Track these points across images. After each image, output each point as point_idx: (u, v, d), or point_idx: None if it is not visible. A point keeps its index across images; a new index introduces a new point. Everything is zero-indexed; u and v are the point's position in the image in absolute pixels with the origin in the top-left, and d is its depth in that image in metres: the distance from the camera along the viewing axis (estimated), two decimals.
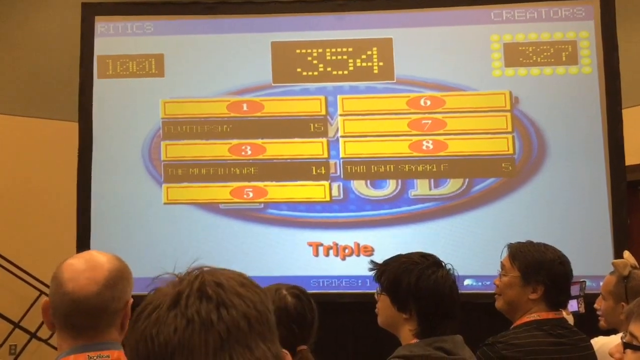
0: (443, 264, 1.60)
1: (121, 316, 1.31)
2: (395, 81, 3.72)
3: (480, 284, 3.45)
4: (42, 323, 4.13)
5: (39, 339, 4.56)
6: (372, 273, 1.66)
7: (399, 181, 3.65)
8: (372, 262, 1.66)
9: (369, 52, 3.76)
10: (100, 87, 3.81)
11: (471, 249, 3.53)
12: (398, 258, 1.63)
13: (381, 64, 3.74)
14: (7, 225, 4.90)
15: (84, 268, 1.27)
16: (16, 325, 4.62)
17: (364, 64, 3.75)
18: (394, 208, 3.64)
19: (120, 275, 1.31)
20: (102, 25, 3.86)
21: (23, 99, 5.20)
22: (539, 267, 1.80)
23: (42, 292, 4.57)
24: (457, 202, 3.61)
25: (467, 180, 3.62)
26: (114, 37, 3.86)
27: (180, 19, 3.89)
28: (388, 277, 1.59)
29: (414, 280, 1.54)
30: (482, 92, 3.67)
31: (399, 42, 3.75)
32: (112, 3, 4.23)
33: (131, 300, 1.34)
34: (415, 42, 3.75)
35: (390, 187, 3.66)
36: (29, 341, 4.62)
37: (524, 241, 1.90)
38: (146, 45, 3.84)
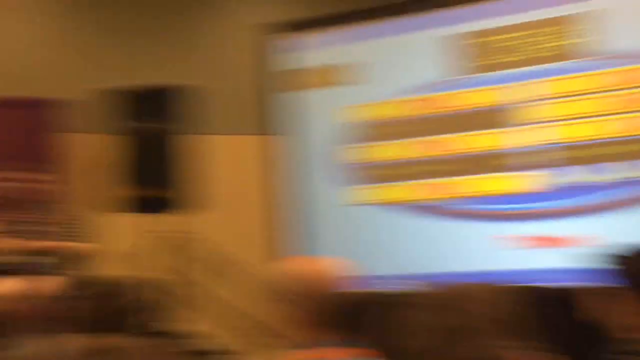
0: None
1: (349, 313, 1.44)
2: (607, 56, 3.24)
3: None
4: None
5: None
6: (609, 267, 1.42)
7: (610, 165, 3.20)
8: (607, 253, 1.43)
9: (577, 28, 3.32)
10: (289, 99, 3.99)
11: None
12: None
13: (589, 39, 3.29)
14: (216, 237, 5.21)
15: (314, 273, 1.43)
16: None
17: (569, 42, 3.34)
18: (602, 195, 3.22)
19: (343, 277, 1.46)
20: (285, 42, 4.03)
21: (224, 118, 5.49)
22: None
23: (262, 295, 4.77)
24: None
25: None
26: (297, 52, 4.01)
27: (363, 25, 3.91)
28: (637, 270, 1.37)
29: None
30: None
31: (611, 13, 3.25)
32: (294, 20, 4.38)
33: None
34: (633, 11, 3.24)
35: (601, 172, 3.22)
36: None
37: None
38: (334, 55, 3.92)
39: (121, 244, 4.25)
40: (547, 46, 3.41)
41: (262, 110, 4.37)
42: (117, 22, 5.28)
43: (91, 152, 4.40)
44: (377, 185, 3.75)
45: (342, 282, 1.44)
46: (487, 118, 3.51)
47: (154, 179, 3.62)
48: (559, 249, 3.27)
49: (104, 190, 3.80)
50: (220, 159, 5.44)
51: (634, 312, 1.38)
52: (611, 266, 1.43)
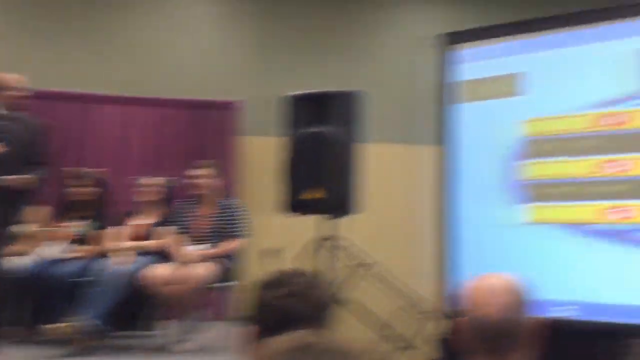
0: None
1: (532, 337, 1.37)
2: None
3: None
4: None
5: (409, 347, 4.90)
6: None
7: None
8: None
9: None
10: (463, 110, 3.99)
11: None
12: None
13: None
14: (379, 244, 5.38)
15: (490, 293, 1.37)
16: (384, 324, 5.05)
17: None
18: None
19: (522, 297, 1.39)
20: (458, 53, 4.03)
21: (388, 126, 5.68)
22: None
23: (413, 305, 4.90)
24: None
25: None
26: (471, 62, 4.01)
27: (534, 36, 3.83)
28: None
29: None
30: None
31: None
32: (466, 30, 4.40)
33: (542, 322, 1.39)
34: None
35: None
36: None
37: None
38: (503, 66, 3.88)
39: (284, 243, 4.55)
40: None
41: (428, 121, 4.47)
42: (297, 34, 5.66)
43: (265, 155, 4.72)
44: (548, 204, 3.65)
45: (527, 305, 1.38)
46: None
47: (317, 182, 3.73)
48: None
49: (274, 192, 4.03)
50: (386, 167, 5.63)
51: None
52: None
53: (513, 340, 1.34)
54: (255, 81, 5.38)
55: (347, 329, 4.81)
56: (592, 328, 3.41)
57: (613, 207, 3.46)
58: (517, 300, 1.37)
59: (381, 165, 5.63)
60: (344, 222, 3.97)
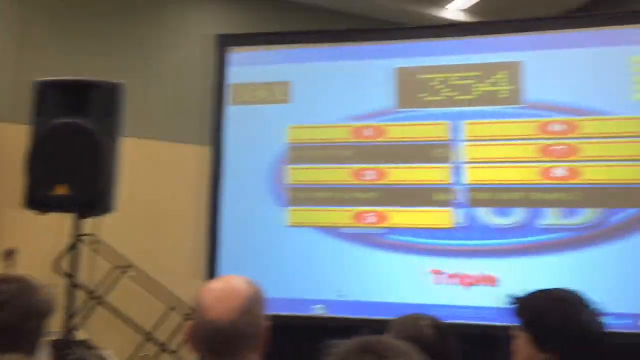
0: (590, 301, 1.49)
1: (259, 339, 1.37)
2: (524, 105, 3.59)
3: (620, 322, 3.19)
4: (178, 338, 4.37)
5: (167, 351, 4.80)
6: (510, 307, 1.58)
7: (528, 209, 3.50)
8: (511, 295, 1.59)
9: (497, 76, 3.66)
10: (231, 113, 4.00)
11: (607, 284, 3.28)
12: (542, 292, 1.54)
13: (510, 87, 3.63)
14: (144, 243, 5.23)
15: (223, 295, 1.35)
16: (148, 334, 4.89)
17: (490, 88, 3.66)
18: (521, 237, 3.49)
19: (256, 300, 1.39)
20: (235, 55, 4.07)
21: (160, 123, 5.56)
22: None
23: (173, 307, 4.81)
24: (591, 233, 3.39)
25: (603, 210, 3.39)
26: (245, 66, 4.06)
27: (308, 47, 4.01)
28: (530, 313, 1.51)
29: (559, 318, 1.44)
30: (622, 117, 3.44)
31: (528, 65, 3.62)
32: (244, 34, 4.46)
33: (268, 323, 1.37)
34: (546, 65, 3.61)
35: (517, 215, 3.51)
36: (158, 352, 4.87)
37: None
38: (275, 73, 3.99)
39: (29, 243, 4.15)
40: (485, 90, 3.68)
41: (202, 121, 4.40)
42: (68, 23, 5.22)
43: (17, 144, 4.27)
44: (314, 207, 3.79)
45: (257, 305, 1.38)
46: (425, 152, 3.68)
47: (71, 178, 3.40)
48: (490, 287, 3.46)
49: (20, 186, 3.64)
50: (155, 165, 5.44)
51: (530, 355, 1.50)
52: (512, 307, 1.59)
53: (240, 343, 1.33)
54: (9, 65, 4.86)
55: (108, 333, 4.58)
56: (343, 324, 3.63)
57: (364, 212, 3.72)
58: (247, 304, 1.35)
59: (149, 162, 5.46)
60: (103, 221, 3.72)
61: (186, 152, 5.42)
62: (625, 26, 3.53)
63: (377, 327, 2.00)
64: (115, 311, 4.72)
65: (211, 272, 3.80)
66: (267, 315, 1.41)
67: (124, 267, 4.91)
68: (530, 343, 1.48)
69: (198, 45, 5.56)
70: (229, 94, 4.03)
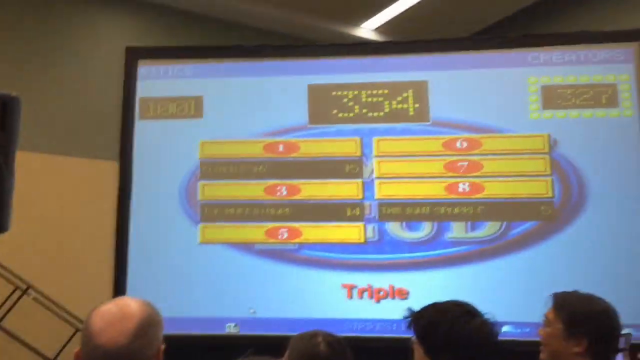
0: (479, 312, 1.56)
1: None
2: (430, 123, 3.72)
3: (519, 330, 3.35)
4: None
5: None
6: (406, 321, 1.62)
7: (435, 223, 3.61)
8: (408, 309, 1.63)
9: (405, 94, 3.77)
10: (141, 128, 3.90)
11: (509, 294, 3.44)
12: (432, 306, 1.59)
13: (417, 105, 3.75)
14: (45, 262, 4.99)
15: (115, 319, 1.27)
16: None
17: (399, 106, 3.77)
18: (430, 250, 3.59)
19: (151, 323, 1.31)
20: (145, 69, 3.98)
21: (65, 138, 5.36)
22: (583, 319, 1.73)
23: (77, 330, 4.60)
24: (495, 245, 3.54)
25: (504, 223, 3.56)
26: (156, 80, 3.97)
27: (220, 62, 3.98)
28: (421, 326, 1.56)
29: (447, 329, 1.50)
30: (520, 135, 3.63)
31: (435, 84, 3.76)
32: (155, 47, 4.38)
33: (163, 346, 1.33)
34: (451, 85, 3.76)
35: (425, 229, 3.62)
36: None
37: (569, 291, 1.84)
38: (186, 88, 3.93)
39: None
40: (394, 107, 3.76)
41: (114, 136, 4.25)
42: None
43: None
44: (226, 224, 3.73)
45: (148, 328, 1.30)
46: (337, 168, 3.71)
47: None
48: (401, 301, 3.50)
49: None
50: (61, 181, 5.20)
51: None
52: (407, 321, 1.63)
53: None
54: None
55: None
56: (256, 343, 3.59)
57: (277, 228, 3.72)
58: (140, 327, 1.28)
59: (55, 179, 5.23)
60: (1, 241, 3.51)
61: (95, 167, 5.23)
62: (522, 49, 3.74)
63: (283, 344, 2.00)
64: (13, 336, 4.45)
65: (118, 293, 3.65)
66: (163, 338, 1.36)
67: (24, 290, 4.65)
68: (425, 355, 1.53)
69: (110, 57, 5.40)
70: (138, 108, 3.92)
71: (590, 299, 1.78)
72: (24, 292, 4.73)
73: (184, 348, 3.58)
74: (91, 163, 5.23)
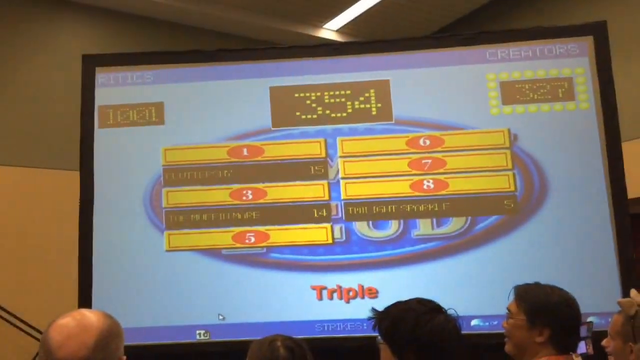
0: (443, 308, 1.57)
1: None
2: (393, 122, 3.74)
3: (487, 324, 3.39)
4: None
5: None
6: (371, 320, 1.63)
7: (401, 221, 3.64)
8: (372, 309, 1.64)
9: (367, 94, 3.79)
10: (101, 136, 3.83)
11: (477, 288, 3.49)
12: (396, 305, 1.60)
13: (379, 105, 3.77)
14: (7, 276, 4.87)
15: (74, 332, 1.24)
16: None
17: (362, 106, 3.79)
18: (398, 248, 3.62)
19: (111, 334, 1.28)
20: (103, 76, 3.91)
21: (23, 149, 5.24)
22: (544, 310, 1.77)
23: None
24: (461, 240, 3.59)
25: (469, 218, 3.60)
26: (115, 87, 3.91)
27: (180, 67, 3.94)
28: (385, 326, 1.57)
29: (410, 327, 1.51)
30: (481, 130, 3.68)
31: (396, 83, 3.79)
32: (112, 54, 4.30)
33: (124, 358, 1.31)
34: (412, 83, 3.79)
35: (392, 227, 3.64)
36: None
37: (531, 282, 1.87)
38: (146, 94, 3.88)
39: None
40: (357, 107, 3.77)
41: (74, 145, 4.17)
42: None
43: None
44: (192, 230, 3.69)
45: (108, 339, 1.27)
46: (303, 170, 3.70)
47: None
48: (370, 300, 3.51)
49: None
50: (11, 193, 5.08)
51: None
52: (372, 321, 1.63)
53: None
54: None
55: None
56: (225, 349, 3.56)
57: (244, 233, 3.70)
58: (100, 339, 1.24)
59: (12, 191, 5.11)
60: None
61: (55, 178, 5.13)
62: (480, 46, 3.79)
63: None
64: None
65: (84, 305, 3.58)
66: (130, 349, 1.34)
67: None
68: (391, 355, 1.54)
69: (69, 64, 5.28)
70: (98, 117, 3.85)
71: (550, 290, 1.82)
72: None
73: (155, 358, 3.54)
74: (51, 173, 5.13)
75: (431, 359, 1.49)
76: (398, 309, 1.57)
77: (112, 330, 1.29)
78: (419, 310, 1.53)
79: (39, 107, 5.36)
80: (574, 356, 1.86)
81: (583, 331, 2.22)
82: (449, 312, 1.57)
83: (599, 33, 3.69)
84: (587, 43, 3.70)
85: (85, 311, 1.31)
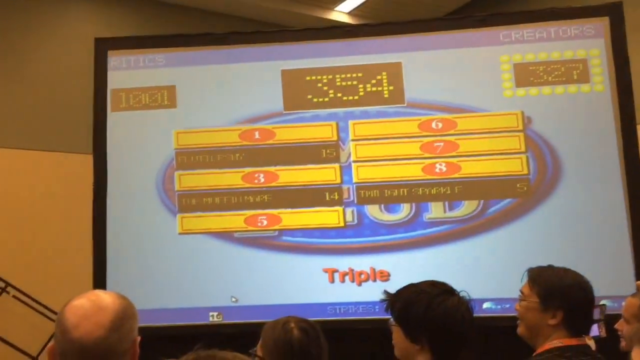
0: (455, 291, 1.58)
1: (129, 355, 1.30)
2: (406, 105, 3.72)
3: (499, 307, 3.40)
4: None
5: None
6: (383, 303, 1.64)
7: (413, 205, 3.63)
8: (385, 292, 1.65)
9: (379, 77, 3.77)
10: (114, 119, 3.85)
11: (489, 271, 3.48)
12: (408, 287, 1.61)
13: (391, 88, 3.75)
14: (24, 259, 4.93)
15: (90, 312, 1.25)
16: (34, 358, 4.62)
17: (374, 89, 3.77)
18: (409, 232, 3.62)
19: (125, 315, 1.30)
20: (115, 59, 3.92)
21: (37, 133, 5.27)
22: (557, 292, 1.77)
23: None
24: (473, 224, 3.58)
25: (482, 202, 3.59)
26: (127, 70, 3.91)
27: (191, 50, 3.93)
28: (398, 308, 1.58)
29: (423, 309, 1.52)
30: (494, 113, 3.65)
31: (409, 65, 3.76)
32: (125, 37, 4.31)
33: (138, 338, 1.32)
34: (425, 66, 3.76)
35: (404, 210, 3.64)
36: None
37: (544, 265, 1.87)
38: (158, 77, 3.88)
39: None
40: (369, 90, 3.75)
41: (82, 129, 4.19)
42: None
43: None
44: (204, 213, 3.70)
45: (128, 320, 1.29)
46: (314, 153, 3.70)
47: None
48: (382, 282, 3.52)
49: None
50: (37, 176, 5.12)
51: (404, 347, 1.56)
52: (385, 303, 1.63)
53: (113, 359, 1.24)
54: None
55: None
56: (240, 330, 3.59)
57: (256, 216, 3.71)
58: (116, 319, 1.26)
59: (28, 174, 5.16)
60: None
61: (69, 161, 5.16)
62: (494, 28, 3.75)
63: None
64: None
65: (98, 287, 3.62)
66: (143, 330, 1.35)
67: (2, 288, 4.60)
68: (404, 336, 1.55)
69: (81, 47, 5.29)
70: (110, 100, 3.86)
71: (564, 273, 1.81)
72: (3, 290, 4.67)
73: (168, 339, 3.58)
74: (65, 157, 5.16)
75: (443, 341, 1.50)
76: (410, 291, 1.57)
77: (126, 311, 1.30)
78: (432, 293, 1.53)
79: (53, 92, 5.39)
80: (586, 339, 1.86)
81: (596, 314, 2.21)
82: (462, 294, 1.57)
83: (614, 14, 3.64)
84: (602, 24, 3.65)
85: (100, 292, 1.33)
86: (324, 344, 1.74)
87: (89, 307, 1.26)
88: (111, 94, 3.87)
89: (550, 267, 1.85)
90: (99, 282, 3.64)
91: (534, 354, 1.79)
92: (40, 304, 4.76)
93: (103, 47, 3.95)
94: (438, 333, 1.49)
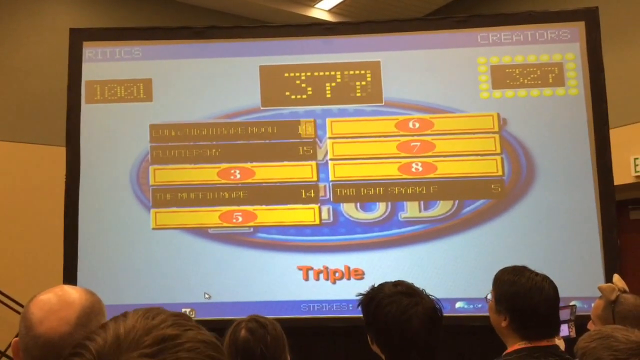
0: (418, 293, 1.54)
1: None
2: (383, 104, 3.73)
3: (472, 306, 3.42)
4: None
5: None
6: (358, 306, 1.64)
7: (389, 204, 3.64)
8: (359, 294, 1.65)
9: (357, 75, 3.77)
10: (88, 112, 3.78)
11: (462, 271, 3.51)
12: (376, 286, 1.61)
13: (369, 86, 3.75)
14: (10, 262, 4.84)
15: (56, 307, 1.22)
16: (2, 353, 4.53)
17: (352, 87, 3.76)
18: (384, 231, 3.63)
19: (93, 311, 1.26)
20: (91, 51, 3.85)
21: (10, 124, 5.18)
22: (504, 297, 1.81)
23: None
24: (448, 224, 3.60)
25: (456, 202, 3.61)
26: (102, 62, 3.85)
27: (169, 43, 3.89)
28: (360, 304, 1.59)
29: (372, 309, 1.51)
30: (470, 114, 3.68)
31: (387, 65, 3.77)
32: (101, 29, 4.24)
33: None
34: (403, 65, 3.77)
35: (380, 209, 3.64)
36: None
37: (508, 267, 1.89)
38: (134, 70, 3.83)
39: None
40: (348, 88, 3.74)
41: (60, 121, 4.11)
42: None
43: None
44: (179, 209, 3.67)
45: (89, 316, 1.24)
46: (291, 150, 3.69)
47: None
48: (356, 281, 3.52)
49: None
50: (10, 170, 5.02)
51: (376, 348, 1.55)
52: (361, 304, 1.62)
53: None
54: None
55: None
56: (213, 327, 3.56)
57: (231, 212, 3.68)
58: (82, 315, 1.22)
59: (1, 166, 5.06)
60: None
61: (42, 153, 5.07)
62: (472, 30, 3.78)
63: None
64: None
65: (69, 282, 3.56)
66: None
67: None
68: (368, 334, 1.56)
69: (56, 38, 5.20)
70: (85, 92, 3.80)
71: (518, 277, 1.82)
72: None
73: None
74: (37, 149, 5.07)
75: (388, 342, 1.47)
76: (374, 289, 1.57)
77: (94, 307, 1.26)
78: (387, 293, 1.51)
79: (28, 84, 5.29)
80: (556, 339, 1.88)
81: (566, 314, 2.24)
82: (430, 297, 1.55)
83: (590, 19, 3.69)
84: (578, 29, 3.69)
85: (67, 287, 1.29)
86: (273, 342, 1.72)
87: (55, 302, 1.23)
88: (86, 86, 3.81)
89: (513, 270, 1.86)
90: (69, 276, 3.58)
91: (504, 354, 1.80)
92: (8, 297, 4.68)
93: (78, 38, 3.88)
94: (382, 334, 1.48)
